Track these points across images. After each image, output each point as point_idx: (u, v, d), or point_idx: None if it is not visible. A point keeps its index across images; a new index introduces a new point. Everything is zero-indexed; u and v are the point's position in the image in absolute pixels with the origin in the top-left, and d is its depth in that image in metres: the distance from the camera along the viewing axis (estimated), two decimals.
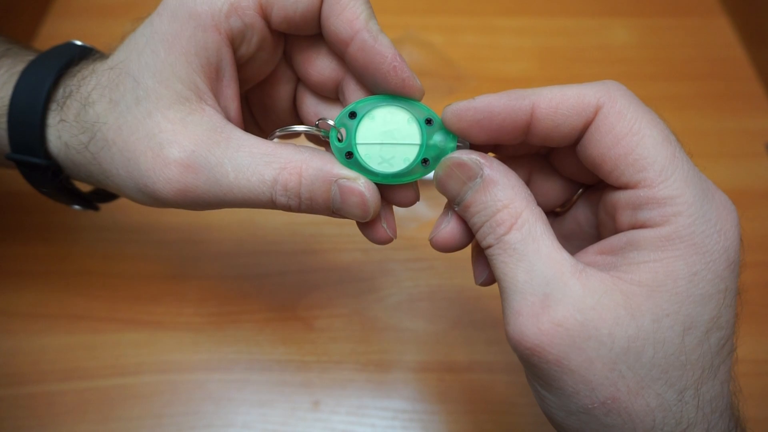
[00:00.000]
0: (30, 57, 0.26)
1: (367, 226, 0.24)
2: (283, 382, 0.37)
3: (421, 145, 0.22)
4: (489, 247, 0.21)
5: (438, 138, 0.22)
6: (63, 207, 0.44)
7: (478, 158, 0.21)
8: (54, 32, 0.55)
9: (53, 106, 0.25)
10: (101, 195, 0.31)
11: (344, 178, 0.22)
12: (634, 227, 0.20)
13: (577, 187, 0.25)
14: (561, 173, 0.24)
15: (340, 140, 0.23)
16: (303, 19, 0.22)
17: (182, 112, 0.22)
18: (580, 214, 0.24)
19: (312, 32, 0.24)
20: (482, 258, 0.23)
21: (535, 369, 0.20)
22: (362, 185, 0.22)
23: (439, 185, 0.22)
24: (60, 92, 0.25)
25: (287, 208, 0.22)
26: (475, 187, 0.21)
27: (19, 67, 0.26)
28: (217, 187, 0.22)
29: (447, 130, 0.22)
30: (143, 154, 0.22)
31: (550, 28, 0.57)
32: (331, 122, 0.23)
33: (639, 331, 0.18)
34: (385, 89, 0.22)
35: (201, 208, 0.23)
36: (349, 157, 0.22)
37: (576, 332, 0.18)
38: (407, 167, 0.22)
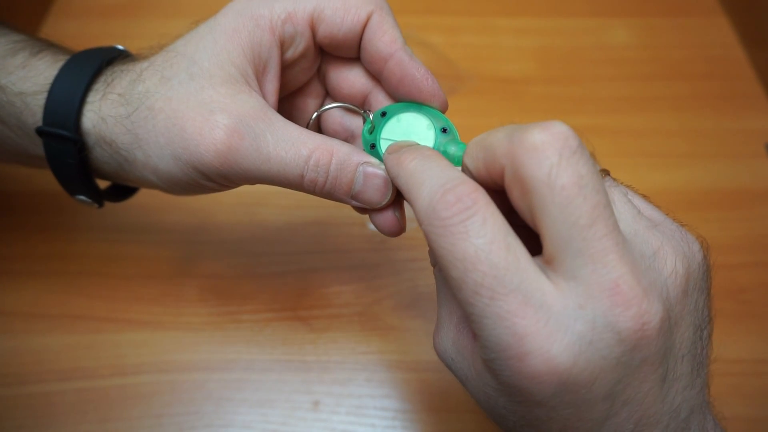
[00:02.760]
0: (72, 53, 0.28)
1: (380, 214, 0.26)
2: (283, 382, 0.37)
3: (432, 148, 0.25)
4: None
5: (449, 146, 0.24)
6: (63, 208, 0.44)
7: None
8: (54, 32, 0.55)
9: (97, 86, 0.27)
10: (112, 192, 0.32)
11: (369, 163, 0.25)
12: None
13: None
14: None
15: (370, 132, 0.26)
16: (344, 39, 0.26)
17: (233, 90, 0.25)
18: None
19: (347, 55, 0.27)
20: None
21: None
22: (384, 170, 0.25)
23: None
24: (108, 73, 0.27)
25: (313, 185, 0.25)
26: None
27: (64, 56, 0.28)
28: (256, 154, 0.24)
29: (458, 139, 0.25)
30: (192, 119, 0.24)
31: (549, 28, 0.57)
32: (371, 115, 0.27)
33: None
34: (416, 97, 0.26)
35: (233, 176, 0.25)
36: (372, 148, 0.26)
37: (451, 369, 0.23)
38: None
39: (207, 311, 0.40)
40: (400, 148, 0.23)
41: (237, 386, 0.37)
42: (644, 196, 0.23)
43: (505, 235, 0.18)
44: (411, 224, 0.44)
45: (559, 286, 0.18)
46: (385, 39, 0.25)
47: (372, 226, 0.44)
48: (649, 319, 0.18)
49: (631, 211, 0.21)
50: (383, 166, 0.25)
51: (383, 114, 0.26)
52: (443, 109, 0.26)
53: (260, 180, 0.25)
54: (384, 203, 0.25)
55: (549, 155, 0.18)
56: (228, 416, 0.36)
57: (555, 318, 0.17)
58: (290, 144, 0.24)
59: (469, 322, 0.19)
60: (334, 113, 0.29)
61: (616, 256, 0.17)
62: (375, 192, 0.25)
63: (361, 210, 0.27)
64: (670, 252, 0.20)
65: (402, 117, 0.26)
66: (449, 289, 0.22)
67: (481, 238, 0.18)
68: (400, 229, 0.27)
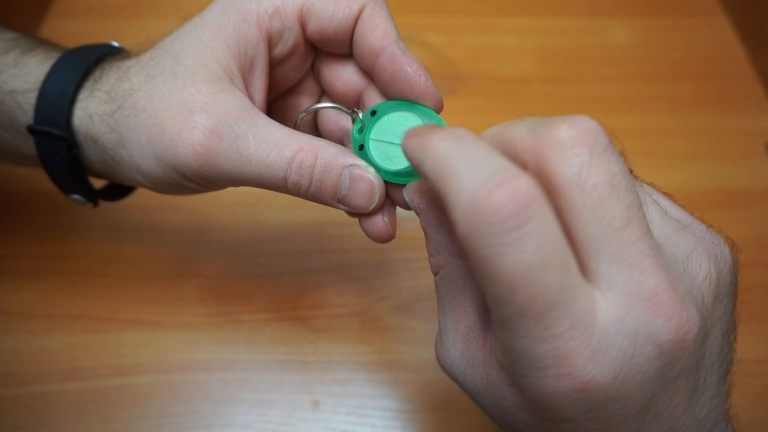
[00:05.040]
0: (65, 50, 0.28)
1: (368, 219, 0.25)
2: (283, 382, 0.37)
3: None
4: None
5: None
6: (63, 208, 0.44)
7: (419, 204, 0.22)
8: (54, 32, 0.55)
9: (87, 84, 0.26)
10: (109, 191, 0.32)
11: (356, 165, 0.24)
12: None
13: None
14: None
15: (359, 132, 0.25)
16: (335, 34, 0.25)
17: (215, 89, 0.24)
18: None
19: (339, 51, 0.26)
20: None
21: None
22: (372, 173, 0.24)
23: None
24: (98, 70, 0.27)
25: (297, 188, 0.24)
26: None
27: (56, 53, 0.28)
28: (237, 156, 0.23)
29: None
30: (172, 119, 0.24)
31: (549, 28, 0.57)
32: (360, 114, 0.25)
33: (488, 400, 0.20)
34: (408, 95, 0.24)
35: (214, 178, 0.24)
36: (361, 149, 0.25)
37: (459, 382, 0.22)
38: (405, 168, 0.24)
39: (207, 311, 0.40)
40: (421, 130, 0.20)
41: (237, 386, 0.37)
42: (668, 195, 0.21)
43: (562, 249, 0.16)
44: (410, 224, 0.44)
45: (596, 297, 0.16)
46: (377, 33, 0.24)
47: None
48: (690, 329, 0.16)
49: (658, 213, 0.19)
50: (371, 169, 0.24)
51: (373, 113, 0.25)
52: (438, 108, 0.25)
53: (242, 182, 0.24)
54: (371, 208, 0.24)
55: (579, 153, 0.16)
56: (228, 416, 0.36)
57: (598, 336, 0.16)
58: (273, 145, 0.23)
59: (500, 333, 0.17)
60: (329, 112, 0.28)
61: (652, 261, 0.16)
62: (361, 196, 0.24)
63: (351, 213, 0.26)
64: (703, 255, 0.19)
65: (392, 116, 0.25)
66: (460, 298, 0.21)
67: (537, 255, 0.15)
68: (388, 236, 0.26)
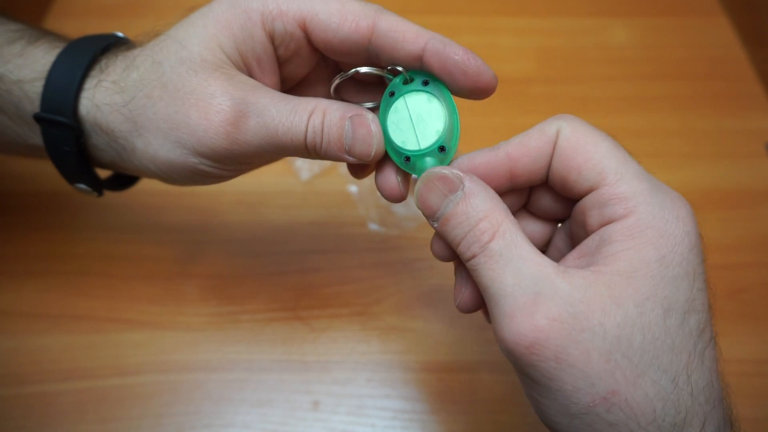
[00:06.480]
0: (70, 40, 0.28)
1: (382, 174, 0.26)
2: (283, 382, 0.37)
3: (419, 150, 0.24)
4: (473, 257, 0.21)
5: (427, 163, 0.24)
6: (63, 207, 0.44)
7: (459, 173, 0.23)
8: None
9: (93, 73, 0.27)
10: (113, 181, 0.32)
11: (357, 114, 0.24)
12: (602, 225, 0.22)
13: (553, 226, 0.27)
14: (540, 217, 0.26)
15: (404, 83, 0.25)
16: (341, 45, 0.25)
17: (228, 73, 0.25)
18: (559, 243, 0.26)
19: (347, 60, 0.26)
20: (464, 279, 0.24)
21: (532, 371, 0.20)
22: (370, 118, 0.24)
23: (420, 199, 0.23)
24: (103, 60, 0.27)
25: (314, 147, 0.25)
26: (456, 199, 0.22)
27: (62, 43, 0.28)
28: (264, 130, 0.24)
29: (448, 161, 0.24)
30: (193, 106, 0.24)
31: (549, 28, 0.57)
32: (400, 68, 0.25)
33: (626, 317, 0.19)
34: (463, 82, 0.24)
35: (244, 158, 0.25)
36: (391, 95, 0.25)
37: (570, 325, 0.19)
38: (400, 149, 0.24)
39: (207, 311, 0.40)
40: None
41: (237, 386, 0.37)
42: None
43: None
44: (411, 224, 0.44)
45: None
46: (408, 38, 0.24)
47: (372, 226, 0.44)
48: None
49: None
50: (370, 115, 0.24)
51: (425, 83, 0.25)
52: (493, 84, 0.24)
53: (270, 153, 0.25)
54: (373, 154, 0.24)
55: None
56: (228, 416, 0.36)
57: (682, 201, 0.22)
58: (293, 114, 0.24)
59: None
60: (351, 91, 0.28)
61: (648, 174, 0.22)
62: (362, 144, 0.24)
63: (359, 171, 0.27)
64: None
65: (430, 98, 0.24)
66: (530, 245, 0.21)
67: None
68: (399, 195, 0.26)
